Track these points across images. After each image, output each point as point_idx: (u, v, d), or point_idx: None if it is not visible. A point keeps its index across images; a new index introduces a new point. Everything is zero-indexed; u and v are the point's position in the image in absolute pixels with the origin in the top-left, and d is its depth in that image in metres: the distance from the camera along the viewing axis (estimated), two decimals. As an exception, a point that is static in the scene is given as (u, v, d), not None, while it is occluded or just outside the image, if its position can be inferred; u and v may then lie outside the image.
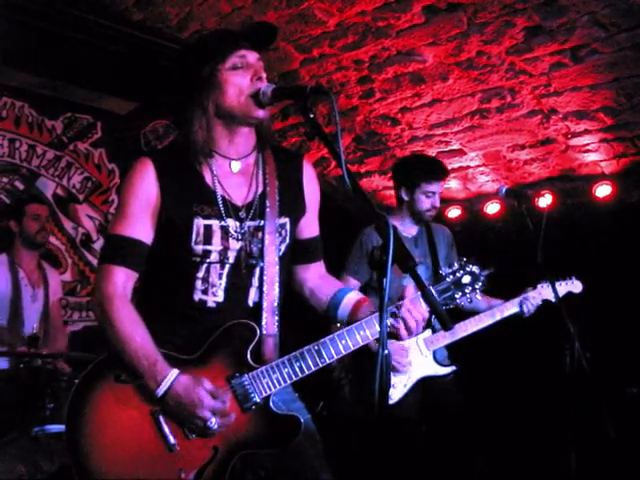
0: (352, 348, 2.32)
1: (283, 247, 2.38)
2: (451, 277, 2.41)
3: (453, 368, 3.96)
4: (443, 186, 4.03)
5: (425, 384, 3.87)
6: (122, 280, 2.21)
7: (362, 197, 2.10)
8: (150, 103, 5.65)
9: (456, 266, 2.44)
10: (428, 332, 3.91)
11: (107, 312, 2.17)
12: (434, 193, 3.94)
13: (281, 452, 2.29)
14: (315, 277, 2.56)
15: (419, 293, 2.31)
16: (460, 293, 2.43)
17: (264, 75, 2.26)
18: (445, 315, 2.12)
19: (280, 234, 2.36)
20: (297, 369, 2.26)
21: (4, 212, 4.99)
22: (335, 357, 2.30)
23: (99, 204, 5.73)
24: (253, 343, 2.26)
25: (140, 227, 2.23)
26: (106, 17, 5.00)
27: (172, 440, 2.16)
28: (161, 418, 2.16)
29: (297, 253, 2.47)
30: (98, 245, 5.70)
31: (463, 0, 4.50)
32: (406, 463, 3.72)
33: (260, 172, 2.37)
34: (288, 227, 2.38)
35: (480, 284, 2.43)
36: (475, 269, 2.44)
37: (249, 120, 2.27)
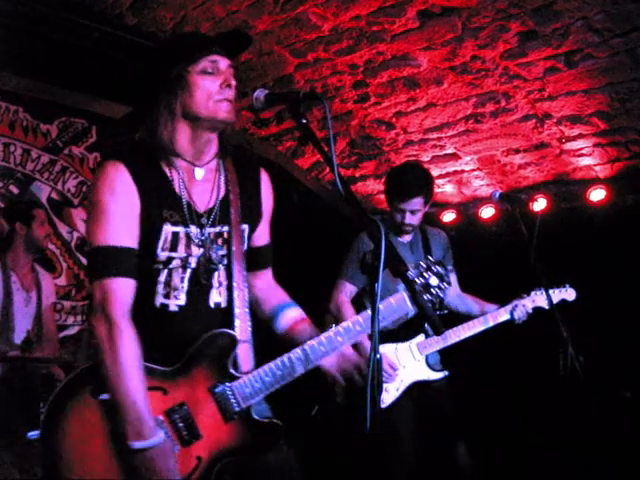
0: (329, 354, 2.33)
1: (244, 252, 2.39)
2: (421, 280, 2.47)
3: (445, 373, 3.97)
4: (419, 204, 3.91)
5: (418, 389, 3.88)
6: (126, 294, 2.14)
7: (354, 203, 2.11)
8: (145, 107, 5.63)
9: (423, 267, 2.49)
10: (421, 337, 3.92)
11: (113, 341, 2.08)
12: (404, 211, 3.90)
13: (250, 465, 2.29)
14: (263, 285, 2.57)
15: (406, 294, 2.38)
16: (429, 295, 2.50)
17: (234, 83, 2.25)
18: (437, 320, 2.14)
19: (242, 239, 2.37)
20: (279, 377, 2.27)
21: (10, 214, 4.93)
22: (312, 365, 2.31)
23: (94, 208, 5.71)
24: (233, 352, 2.26)
25: (128, 233, 2.17)
26: (101, 21, 5.00)
27: None
28: None
29: (248, 260, 2.44)
30: (93, 249, 5.69)
31: (457, 5, 4.51)
32: (399, 466, 3.73)
33: (222, 178, 2.36)
34: (246, 234, 2.39)
35: (445, 284, 2.49)
36: (440, 269, 2.50)
37: (216, 125, 2.26)
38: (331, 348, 2.33)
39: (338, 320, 4.16)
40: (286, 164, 6.46)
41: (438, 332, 2.12)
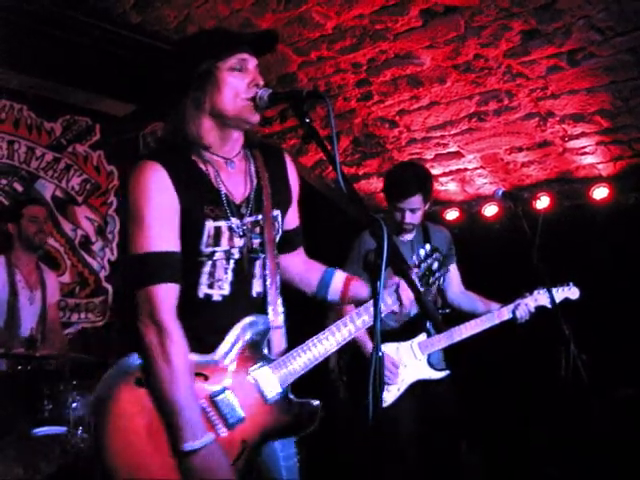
0: (355, 332, 2.42)
1: (277, 238, 2.42)
2: (424, 264, 2.56)
3: (447, 372, 3.96)
4: (418, 202, 3.89)
5: (420, 388, 3.87)
6: (173, 298, 2.16)
7: (357, 201, 2.13)
8: (148, 105, 5.65)
9: (425, 253, 2.58)
10: (423, 336, 3.91)
11: (165, 348, 2.10)
12: (403, 210, 3.89)
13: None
14: (299, 263, 2.62)
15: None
16: (432, 279, 2.58)
17: (261, 83, 2.25)
18: (438, 318, 2.16)
19: (274, 226, 2.39)
20: (312, 356, 2.33)
21: (2, 215, 5.00)
22: (341, 343, 2.39)
23: (98, 206, 5.74)
24: (267, 335, 2.32)
25: (170, 238, 2.17)
26: (105, 20, 5.02)
27: None
28: None
29: (283, 243, 2.49)
30: (97, 247, 5.71)
31: (460, 4, 4.52)
32: (401, 465, 3.74)
33: (252, 167, 2.38)
34: (279, 219, 2.42)
35: (444, 269, 2.59)
36: (439, 255, 2.61)
37: (242, 124, 2.27)
38: (356, 328, 2.42)
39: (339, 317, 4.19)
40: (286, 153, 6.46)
41: (440, 330, 2.14)
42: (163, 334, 2.12)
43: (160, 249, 2.14)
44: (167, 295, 2.15)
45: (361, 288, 2.54)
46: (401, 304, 2.44)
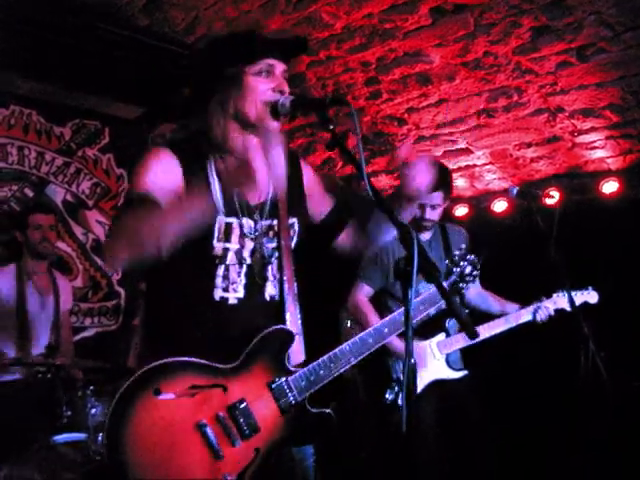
0: (377, 345, 2.44)
1: (293, 245, 2.43)
2: (457, 270, 2.53)
3: (465, 372, 3.98)
4: (438, 198, 3.89)
5: (438, 388, 3.89)
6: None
7: (386, 208, 2.13)
8: (157, 107, 5.66)
9: (457, 257, 2.54)
10: (442, 335, 3.93)
11: (129, 223, 2.09)
12: (424, 206, 3.87)
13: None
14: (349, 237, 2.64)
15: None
16: (464, 284, 2.56)
17: (287, 90, 2.26)
18: (470, 324, 2.15)
19: (290, 233, 2.41)
20: (332, 369, 2.35)
21: (9, 222, 5.00)
22: (363, 355, 2.41)
23: (108, 209, 5.75)
24: (290, 347, 2.32)
25: (158, 187, 2.16)
26: (113, 23, 5.00)
27: (219, 448, 2.17)
28: (208, 430, 2.16)
29: (329, 230, 2.54)
30: (108, 250, 5.71)
31: (469, 1, 4.50)
32: (419, 465, 3.75)
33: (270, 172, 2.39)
34: (296, 227, 2.43)
35: (477, 271, 2.56)
36: (474, 258, 2.57)
37: (261, 130, 2.27)
38: (379, 339, 2.43)
39: (355, 318, 4.20)
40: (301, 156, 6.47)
41: (472, 336, 2.14)
42: (125, 235, 2.08)
43: (145, 189, 2.16)
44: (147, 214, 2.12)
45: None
46: None
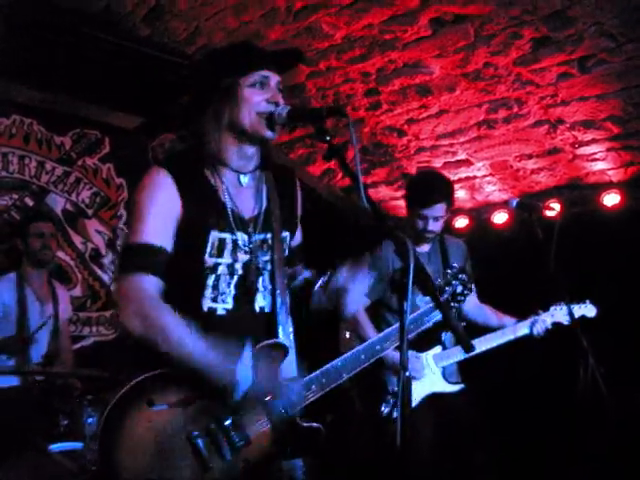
0: (369, 362, 2.45)
1: (284, 259, 2.44)
2: (449, 289, 2.53)
3: (462, 386, 3.96)
4: (442, 209, 3.91)
5: (434, 401, 3.86)
6: (153, 287, 2.18)
7: (383, 220, 2.12)
8: (157, 117, 5.67)
9: (450, 276, 2.54)
10: (438, 348, 3.91)
11: (150, 315, 2.12)
12: (427, 218, 3.89)
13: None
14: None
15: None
16: (456, 303, 2.56)
17: (281, 102, 2.27)
18: (466, 337, 2.14)
19: (282, 246, 2.42)
20: (324, 384, 2.35)
21: (9, 231, 5.00)
22: (355, 371, 2.42)
23: (108, 219, 5.74)
24: (283, 361, 2.31)
25: (162, 234, 2.20)
26: (113, 33, 5.02)
27: (209, 461, 2.16)
28: (199, 441, 2.15)
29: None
30: (107, 260, 5.71)
31: (470, 12, 4.50)
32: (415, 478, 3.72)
33: (264, 188, 2.41)
34: (288, 240, 2.46)
35: (468, 291, 2.55)
36: (464, 277, 2.57)
37: (256, 140, 2.30)
38: (371, 355, 2.45)
39: (353, 329, 4.18)
40: (298, 171, 6.46)
41: (468, 350, 2.13)
42: (143, 309, 2.13)
43: (147, 241, 2.18)
44: (153, 286, 2.17)
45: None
46: None
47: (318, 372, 2.35)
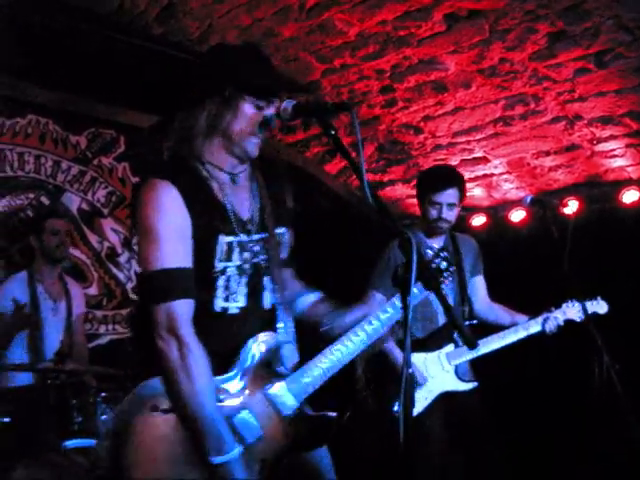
0: (369, 340, 2.37)
1: (284, 254, 2.45)
2: (433, 265, 2.55)
3: (475, 384, 3.93)
4: (454, 197, 3.90)
5: (448, 399, 3.83)
6: (189, 313, 2.16)
7: (385, 214, 2.09)
8: (172, 116, 5.67)
9: (431, 255, 2.58)
10: (451, 347, 3.88)
11: (186, 361, 2.11)
12: (440, 204, 3.88)
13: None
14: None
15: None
16: (442, 278, 2.57)
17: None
18: (470, 334, 2.12)
19: (280, 243, 2.41)
20: (326, 369, 2.31)
21: (24, 229, 5.01)
22: (356, 352, 2.35)
23: (124, 218, 5.75)
24: (280, 353, 2.31)
25: (183, 254, 2.18)
26: (127, 33, 5.03)
27: None
28: None
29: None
30: (123, 258, 5.72)
31: (485, 7, 4.46)
32: (430, 475, 3.70)
33: (254, 186, 2.40)
34: (286, 236, 2.44)
35: (452, 267, 2.58)
36: (447, 254, 2.61)
37: (241, 154, 2.29)
38: (373, 336, 2.37)
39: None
40: (314, 170, 6.46)
41: (472, 346, 2.10)
42: (184, 348, 2.12)
43: (175, 265, 2.15)
44: (185, 310, 2.15)
45: (318, 311, 2.49)
46: None
47: (315, 358, 2.32)
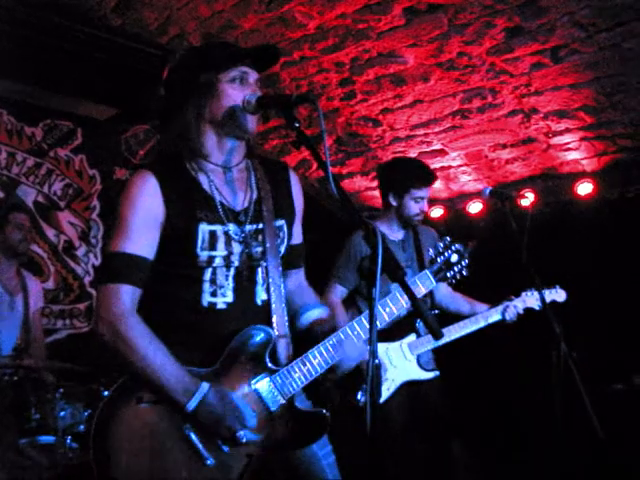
0: (364, 337, 2.39)
1: (282, 248, 2.42)
2: (441, 258, 2.54)
3: (436, 373, 3.97)
4: (431, 191, 4.01)
5: (410, 388, 3.87)
6: (130, 298, 2.17)
7: (349, 206, 2.11)
8: (130, 108, 5.61)
9: (442, 247, 2.55)
10: (412, 336, 3.92)
11: (121, 332, 2.12)
12: (423, 198, 3.94)
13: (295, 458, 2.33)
14: (294, 283, 2.58)
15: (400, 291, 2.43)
16: (451, 272, 2.56)
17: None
18: (435, 325, 2.13)
19: (278, 236, 2.39)
20: (316, 365, 2.31)
21: None
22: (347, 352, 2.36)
23: (81, 211, 5.68)
24: (270, 346, 2.29)
25: (143, 243, 2.19)
26: (85, 23, 4.96)
27: (207, 454, 2.15)
28: (192, 435, 2.14)
29: (284, 258, 2.47)
30: (80, 252, 5.66)
31: (443, 1, 4.50)
32: (391, 465, 3.73)
33: (253, 178, 2.39)
34: (285, 229, 2.42)
35: (466, 260, 2.56)
36: (460, 247, 2.57)
37: (237, 133, 2.29)
38: (364, 332, 2.38)
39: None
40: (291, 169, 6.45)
41: (437, 337, 2.12)
42: (115, 324, 2.13)
43: (132, 252, 2.18)
44: (127, 296, 2.16)
45: (319, 327, 2.46)
46: None
47: (303, 356, 2.32)
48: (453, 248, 2.58)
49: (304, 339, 2.47)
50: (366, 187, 6.56)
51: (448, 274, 2.57)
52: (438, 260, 2.56)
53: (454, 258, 2.57)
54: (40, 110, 5.49)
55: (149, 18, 4.99)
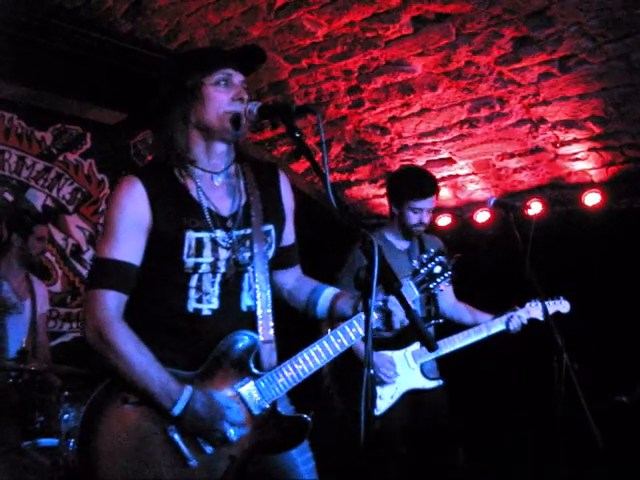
0: (347, 345, 2.41)
1: (270, 253, 2.43)
2: (425, 269, 2.54)
3: (440, 382, 3.97)
4: (434, 202, 3.97)
5: (413, 397, 3.87)
6: (115, 304, 2.20)
7: (348, 216, 2.12)
8: (139, 113, 5.64)
9: (426, 259, 2.56)
10: (416, 345, 3.92)
11: (106, 336, 2.15)
12: (421, 210, 3.93)
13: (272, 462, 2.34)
14: (292, 280, 2.61)
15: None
16: (434, 283, 2.58)
17: (246, 97, 2.28)
18: (429, 336, 2.14)
19: (266, 241, 2.40)
20: (299, 371, 2.33)
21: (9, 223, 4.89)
22: (332, 356, 2.39)
23: (89, 215, 5.72)
24: (254, 352, 2.31)
25: (130, 249, 2.22)
26: (95, 29, 5.00)
27: (190, 456, 2.18)
28: (176, 436, 2.17)
29: (276, 260, 2.50)
30: (88, 256, 5.69)
31: (452, 11, 4.51)
32: (394, 473, 3.73)
33: (241, 183, 2.41)
34: (273, 234, 2.42)
35: (449, 272, 2.57)
36: (443, 259, 2.58)
37: (224, 136, 2.31)
38: (347, 340, 2.40)
39: (332, 327, 4.17)
40: (281, 169, 6.45)
41: (431, 349, 2.13)
42: (101, 329, 2.15)
43: (118, 257, 2.21)
44: (113, 302, 2.19)
45: (346, 304, 2.49)
46: (388, 322, 2.38)
47: (291, 359, 2.34)
48: (437, 260, 2.58)
49: (333, 318, 2.51)
50: (374, 194, 6.56)
51: (431, 285, 2.58)
52: (422, 271, 2.57)
53: (437, 269, 2.57)
54: (50, 115, 5.52)
55: (159, 24, 5.02)
